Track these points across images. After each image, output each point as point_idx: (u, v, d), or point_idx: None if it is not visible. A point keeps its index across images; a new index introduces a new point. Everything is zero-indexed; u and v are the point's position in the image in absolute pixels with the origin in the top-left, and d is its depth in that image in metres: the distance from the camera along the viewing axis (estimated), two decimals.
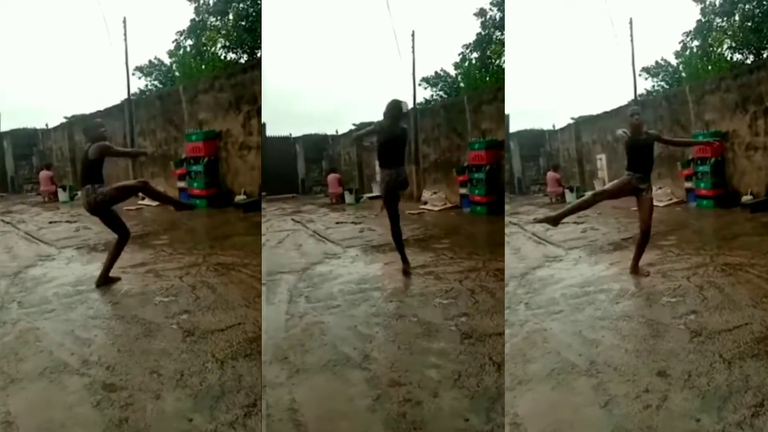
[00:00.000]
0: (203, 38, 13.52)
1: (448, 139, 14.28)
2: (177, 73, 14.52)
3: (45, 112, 16.96)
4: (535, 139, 17.25)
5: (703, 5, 14.19)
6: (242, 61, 13.03)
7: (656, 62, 16.02)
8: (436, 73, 15.49)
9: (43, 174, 15.40)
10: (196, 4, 13.67)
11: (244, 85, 12.10)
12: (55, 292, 6.25)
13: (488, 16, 14.13)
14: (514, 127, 16.58)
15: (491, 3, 14.01)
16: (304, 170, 17.72)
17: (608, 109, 15.93)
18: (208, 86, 12.88)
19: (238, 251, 7.69)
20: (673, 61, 15.60)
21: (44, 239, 9.36)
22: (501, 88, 12.78)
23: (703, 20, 14.24)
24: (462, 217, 12.56)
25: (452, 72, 15.11)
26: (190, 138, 12.77)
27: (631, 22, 15.37)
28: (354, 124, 16.63)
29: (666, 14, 19.18)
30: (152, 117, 14.37)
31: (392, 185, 6.82)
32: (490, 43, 13.93)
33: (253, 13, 13.14)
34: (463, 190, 13.12)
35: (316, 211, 13.64)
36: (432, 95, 15.56)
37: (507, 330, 5.14)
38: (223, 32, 13.23)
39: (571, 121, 16.85)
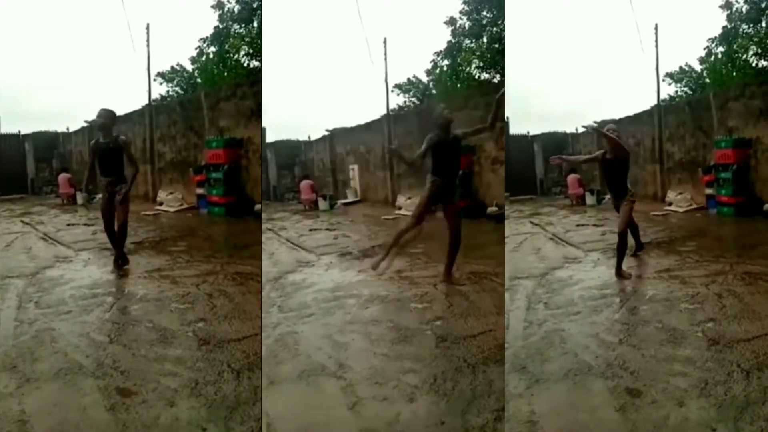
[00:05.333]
0: (227, 45, 13.57)
1: (421, 145, 14.24)
2: (199, 80, 14.60)
3: (67, 116, 17.24)
4: (558, 142, 17.27)
5: (729, 12, 14.02)
6: None
7: (680, 68, 16.01)
8: (408, 79, 15.64)
9: (62, 177, 15.57)
10: (221, 12, 13.76)
11: None
12: (71, 294, 6.26)
13: (458, 25, 14.22)
14: (537, 129, 17.05)
15: (461, 12, 14.16)
16: (276, 177, 17.36)
17: (630, 113, 15.87)
18: (230, 93, 12.91)
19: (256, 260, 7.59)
20: (698, 67, 15.56)
21: (62, 241, 9.41)
22: (473, 96, 12.74)
23: (729, 26, 14.06)
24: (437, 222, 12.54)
25: (424, 79, 15.28)
26: (210, 145, 12.76)
27: (656, 28, 15.31)
28: (327, 130, 16.97)
29: (692, 20, 19.03)
30: (173, 123, 14.43)
31: None
32: (460, 51, 14.00)
33: None
34: None
35: (290, 218, 13.48)
36: (405, 101, 15.71)
37: (525, 329, 5.21)
38: (247, 40, 13.23)
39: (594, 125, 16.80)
